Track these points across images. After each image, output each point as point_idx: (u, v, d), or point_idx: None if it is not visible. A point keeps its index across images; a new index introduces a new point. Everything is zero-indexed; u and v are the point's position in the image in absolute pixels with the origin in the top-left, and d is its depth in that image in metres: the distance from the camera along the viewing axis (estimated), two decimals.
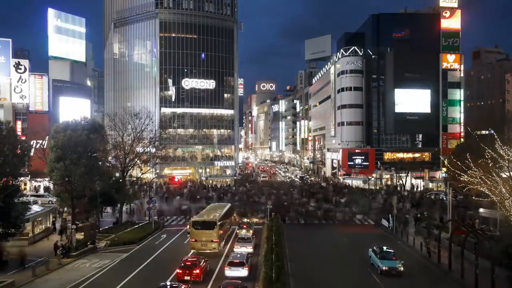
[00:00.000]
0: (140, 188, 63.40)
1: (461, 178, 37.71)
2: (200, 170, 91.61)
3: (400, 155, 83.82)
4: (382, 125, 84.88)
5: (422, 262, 32.72)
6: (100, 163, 43.86)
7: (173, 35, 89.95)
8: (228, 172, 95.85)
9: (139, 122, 50.02)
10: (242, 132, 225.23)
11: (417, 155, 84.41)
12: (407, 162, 78.64)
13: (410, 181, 77.95)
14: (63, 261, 30.95)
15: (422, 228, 41.03)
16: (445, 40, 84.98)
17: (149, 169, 63.46)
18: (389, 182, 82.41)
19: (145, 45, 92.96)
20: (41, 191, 62.80)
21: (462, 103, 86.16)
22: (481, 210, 39.48)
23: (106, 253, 34.47)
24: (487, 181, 32.73)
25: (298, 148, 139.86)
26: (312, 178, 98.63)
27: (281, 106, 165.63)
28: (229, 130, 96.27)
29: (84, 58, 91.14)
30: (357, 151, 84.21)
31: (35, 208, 38.13)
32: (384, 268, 28.27)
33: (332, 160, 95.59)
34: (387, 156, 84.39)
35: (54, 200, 48.63)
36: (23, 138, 54.08)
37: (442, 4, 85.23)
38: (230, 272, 26.80)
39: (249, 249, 33.00)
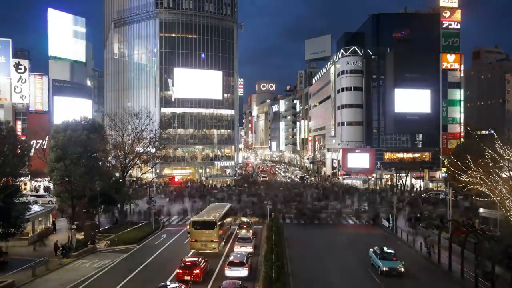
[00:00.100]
0: (141, 188, 63.42)
1: (461, 178, 37.72)
2: (200, 170, 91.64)
3: (400, 155, 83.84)
4: (382, 125, 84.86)
5: (422, 262, 32.71)
6: (100, 163, 43.88)
7: (173, 35, 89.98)
8: (228, 172, 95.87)
9: (139, 122, 50.03)
10: (242, 132, 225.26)
11: (417, 155, 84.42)
12: (407, 162, 78.66)
13: (410, 181, 77.96)
14: (63, 261, 30.95)
15: (422, 228, 41.06)
16: (445, 40, 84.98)
17: (149, 169, 63.49)
18: (389, 182, 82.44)
19: (145, 45, 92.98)
20: (41, 191, 62.77)
21: (462, 103, 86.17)
22: (481, 210, 39.49)
23: (106, 253, 34.46)
24: (487, 181, 32.72)
25: (298, 148, 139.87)
26: (312, 178, 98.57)
27: (281, 106, 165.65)
28: (229, 130, 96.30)
29: (84, 58, 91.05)
30: (357, 151, 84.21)
31: (35, 208, 38.13)
32: (384, 268, 28.24)
33: (332, 160, 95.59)
34: (387, 156, 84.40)
35: (54, 200, 48.62)
36: (23, 138, 54.10)
37: (442, 4, 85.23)
38: (230, 272, 26.79)
39: (249, 249, 32.99)
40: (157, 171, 77.33)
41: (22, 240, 34.85)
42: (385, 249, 30.49)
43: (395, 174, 79.67)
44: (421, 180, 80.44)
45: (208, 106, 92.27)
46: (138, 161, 49.02)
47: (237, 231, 39.48)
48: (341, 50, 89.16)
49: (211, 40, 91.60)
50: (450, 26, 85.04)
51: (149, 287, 25.29)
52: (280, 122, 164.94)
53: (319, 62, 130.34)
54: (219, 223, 34.14)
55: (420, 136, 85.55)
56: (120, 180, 46.27)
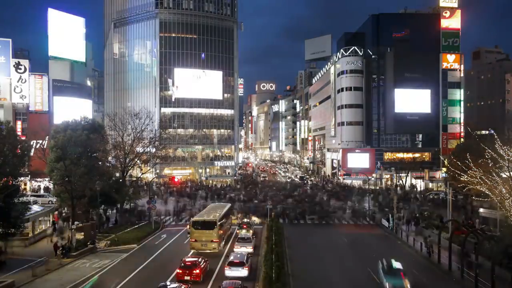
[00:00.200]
0: (141, 188, 63.43)
1: (461, 178, 37.72)
2: (200, 170, 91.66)
3: (400, 155, 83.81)
4: (382, 125, 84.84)
5: (422, 262, 32.71)
6: (100, 163, 43.86)
7: (173, 35, 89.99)
8: (228, 172, 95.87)
9: (139, 122, 50.03)
10: (242, 132, 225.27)
11: (417, 155, 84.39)
12: (407, 162, 78.63)
13: (410, 181, 77.96)
14: (63, 261, 30.95)
15: (422, 228, 41.06)
16: (445, 40, 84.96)
17: (149, 169, 63.47)
18: (389, 182, 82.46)
19: (145, 45, 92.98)
20: (41, 192, 62.71)
21: (462, 103, 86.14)
22: (481, 210, 39.49)
23: (106, 253, 34.47)
24: (487, 181, 32.72)
25: (298, 148, 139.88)
26: (312, 178, 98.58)
27: (281, 106, 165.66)
28: (229, 130, 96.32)
29: (84, 58, 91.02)
30: (357, 151, 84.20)
31: (35, 208, 38.14)
32: (387, 286, 25.80)
33: (332, 160, 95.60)
34: (387, 156, 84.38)
35: (54, 200, 48.63)
36: (23, 138, 54.08)
37: (442, 4, 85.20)
38: (230, 272, 26.79)
39: (249, 249, 33.00)
40: (157, 171, 77.31)
41: (22, 240, 34.85)
42: (393, 264, 27.17)
43: (395, 174, 79.66)
44: (421, 180, 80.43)
45: (208, 106, 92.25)
46: (138, 161, 49.02)
47: (237, 231, 39.48)
48: (341, 50, 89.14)
49: (211, 40, 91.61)
50: (450, 26, 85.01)
51: (149, 287, 25.31)
52: (280, 122, 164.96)
53: (319, 62, 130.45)
54: (219, 223, 34.15)
55: (420, 136, 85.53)
56: (120, 180, 46.26)
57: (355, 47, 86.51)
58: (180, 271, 26.29)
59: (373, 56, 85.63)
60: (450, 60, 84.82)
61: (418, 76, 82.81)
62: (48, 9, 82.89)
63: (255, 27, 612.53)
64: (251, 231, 38.71)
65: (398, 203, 46.92)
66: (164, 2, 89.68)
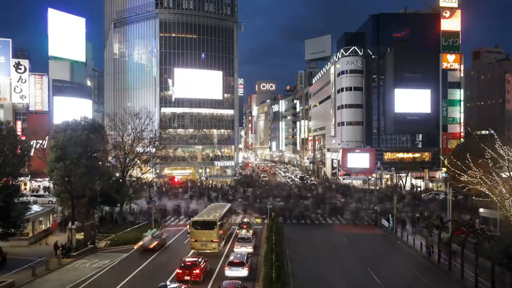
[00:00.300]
0: (141, 188, 63.42)
1: (461, 178, 37.72)
2: (200, 170, 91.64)
3: (400, 155, 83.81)
4: (382, 125, 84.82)
5: (422, 262, 32.71)
6: (100, 163, 43.88)
7: (173, 35, 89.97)
8: (228, 172, 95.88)
9: (139, 122, 50.05)
10: (242, 132, 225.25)
11: (417, 155, 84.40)
12: (407, 162, 78.66)
13: (410, 181, 77.97)
14: (63, 261, 30.95)
15: (423, 228, 41.05)
16: (445, 40, 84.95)
17: (149, 169, 63.47)
18: (389, 182, 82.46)
19: (145, 45, 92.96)
20: (41, 191, 62.72)
21: (462, 103, 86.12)
22: (481, 210, 39.49)
23: (106, 253, 34.47)
24: (487, 181, 32.72)
25: (298, 148, 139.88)
26: (312, 178, 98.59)
27: (281, 106, 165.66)
28: (229, 130, 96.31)
29: (84, 58, 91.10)
30: (357, 151, 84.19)
31: (35, 208, 38.15)
32: None
33: (332, 160, 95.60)
34: (387, 156, 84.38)
35: (54, 200, 48.64)
36: (23, 138, 54.08)
37: (442, 4, 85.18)
38: (230, 272, 26.80)
39: (249, 249, 33.01)
40: (157, 171, 77.33)
41: (22, 240, 34.86)
42: None
43: (395, 174, 79.67)
44: (421, 180, 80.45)
45: (208, 106, 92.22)
46: (138, 161, 49.04)
47: (237, 231, 39.48)
48: (341, 50, 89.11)
49: (211, 40, 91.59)
50: (450, 26, 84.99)
51: (149, 287, 25.31)
52: (280, 122, 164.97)
53: (319, 62, 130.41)
54: (219, 223, 34.15)
55: (420, 136, 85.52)
56: (120, 180, 46.26)
57: (355, 47, 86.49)
58: (180, 271, 26.29)
59: (373, 56, 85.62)
60: (450, 60, 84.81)
61: (418, 76, 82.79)
62: (48, 9, 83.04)
63: (255, 27, 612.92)
64: (251, 231, 38.72)
65: (398, 203, 46.92)
66: (164, 2, 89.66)
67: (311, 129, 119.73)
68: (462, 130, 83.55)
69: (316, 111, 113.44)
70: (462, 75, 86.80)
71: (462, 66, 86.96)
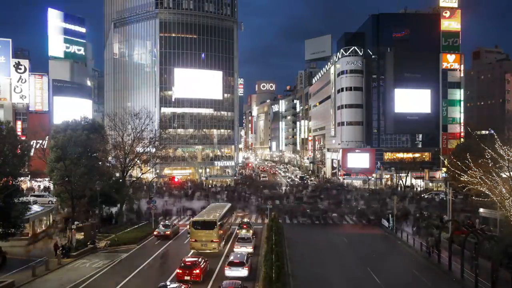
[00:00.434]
0: (141, 188, 63.42)
1: (461, 178, 37.72)
2: (200, 170, 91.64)
3: (400, 155, 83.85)
4: (382, 125, 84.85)
5: (422, 262, 32.71)
6: (100, 163, 43.86)
7: (173, 35, 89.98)
8: (228, 172, 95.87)
9: (139, 122, 50.01)
10: (242, 132, 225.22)
11: (417, 155, 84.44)
12: (407, 162, 78.67)
13: (410, 181, 77.96)
14: (63, 261, 30.94)
15: (423, 228, 41.02)
16: (445, 40, 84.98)
17: (149, 169, 63.44)
18: (389, 182, 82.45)
19: (145, 45, 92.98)
20: (37, 192, 62.57)
21: (462, 103, 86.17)
22: (481, 210, 39.48)
23: (106, 253, 34.45)
24: (487, 181, 32.72)
25: (298, 148, 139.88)
26: (312, 178, 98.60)
27: (281, 106, 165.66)
28: (229, 130, 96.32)
29: (84, 58, 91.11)
30: (357, 151, 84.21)
31: (35, 208, 38.13)
32: None
33: (332, 160, 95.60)
34: (387, 156, 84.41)
35: (54, 200, 48.63)
36: (23, 138, 54.09)
37: (442, 4, 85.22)
38: (230, 272, 26.79)
39: (249, 249, 33.00)
40: (157, 171, 77.30)
41: (22, 240, 34.84)
42: None
43: (395, 174, 79.67)
44: (421, 180, 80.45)
45: (208, 106, 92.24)
46: (138, 161, 49.00)
47: (237, 231, 39.48)
48: (341, 50, 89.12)
49: (211, 40, 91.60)
50: (450, 26, 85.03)
51: (149, 287, 25.30)
52: (280, 122, 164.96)
53: (319, 62, 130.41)
54: (219, 223, 34.15)
55: (420, 136, 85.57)
56: (120, 180, 46.24)
57: (355, 47, 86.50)
58: (180, 271, 26.28)
59: (373, 56, 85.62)
60: (450, 60, 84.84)
61: (418, 76, 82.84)
62: (48, 9, 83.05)
63: (255, 27, 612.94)
64: (251, 231, 38.72)
65: (398, 203, 46.91)
66: (164, 2, 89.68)
67: (311, 129, 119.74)
68: (462, 130, 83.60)
69: (316, 111, 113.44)
70: (462, 75, 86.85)
71: (462, 66, 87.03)
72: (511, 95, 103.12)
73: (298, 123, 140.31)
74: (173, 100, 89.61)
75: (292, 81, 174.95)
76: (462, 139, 77.93)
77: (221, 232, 35.33)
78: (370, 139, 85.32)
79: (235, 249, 32.87)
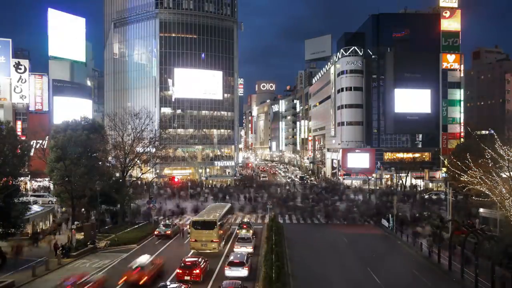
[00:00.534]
0: (141, 188, 63.46)
1: (461, 178, 37.72)
2: (200, 170, 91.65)
3: (400, 155, 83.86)
4: (382, 125, 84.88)
5: (422, 262, 32.70)
6: (100, 163, 43.86)
7: (173, 35, 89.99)
8: (228, 172, 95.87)
9: (139, 122, 49.99)
10: (242, 132, 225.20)
11: (417, 155, 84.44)
12: (407, 162, 78.66)
13: (410, 181, 77.94)
14: (63, 261, 30.93)
15: (423, 228, 41.02)
16: (445, 40, 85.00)
17: (149, 169, 63.46)
18: (389, 182, 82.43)
19: (145, 45, 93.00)
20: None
21: (462, 103, 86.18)
22: (481, 210, 39.48)
23: (106, 253, 34.44)
24: (487, 181, 32.71)
25: (298, 148, 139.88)
26: (312, 178, 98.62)
27: (281, 106, 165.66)
28: (229, 130, 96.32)
29: (84, 58, 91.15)
30: (357, 151, 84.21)
31: (35, 208, 38.13)
32: None
33: (332, 160, 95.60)
34: (387, 156, 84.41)
35: (54, 200, 48.63)
36: (23, 138, 54.10)
37: (442, 4, 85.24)
38: (230, 272, 26.78)
39: (249, 249, 32.99)
40: (157, 171, 77.31)
41: (22, 240, 34.79)
42: None
43: (395, 174, 79.67)
44: (421, 180, 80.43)
45: (208, 106, 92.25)
46: (138, 161, 48.99)
47: (237, 231, 39.48)
48: (341, 50, 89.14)
49: (211, 40, 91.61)
50: (450, 26, 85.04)
51: (149, 287, 25.27)
52: (280, 122, 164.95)
53: (319, 62, 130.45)
54: (219, 223, 34.13)
55: (420, 136, 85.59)
56: (120, 180, 46.24)
57: (355, 47, 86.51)
58: (180, 271, 26.28)
59: (373, 56, 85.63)
60: (450, 60, 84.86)
61: (418, 76, 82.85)
62: (48, 9, 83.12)
63: (255, 27, 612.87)
64: (251, 231, 38.71)
65: (398, 203, 46.90)
66: (164, 2, 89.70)
67: (311, 129, 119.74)
68: (462, 130, 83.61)
69: (316, 111, 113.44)
70: (462, 75, 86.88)
71: (462, 66, 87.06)
72: (511, 95, 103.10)
73: (298, 123, 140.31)
74: (173, 100, 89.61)
75: (292, 81, 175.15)
76: (462, 139, 77.93)
77: (221, 232, 35.32)
78: (370, 139, 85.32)
79: (235, 249, 32.86)
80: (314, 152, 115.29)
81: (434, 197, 61.85)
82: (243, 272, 26.78)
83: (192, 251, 33.52)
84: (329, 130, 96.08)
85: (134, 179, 54.95)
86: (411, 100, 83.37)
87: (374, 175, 76.27)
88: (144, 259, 26.93)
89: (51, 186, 54.34)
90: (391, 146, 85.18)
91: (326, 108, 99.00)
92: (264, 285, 23.30)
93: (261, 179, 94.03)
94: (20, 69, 72.67)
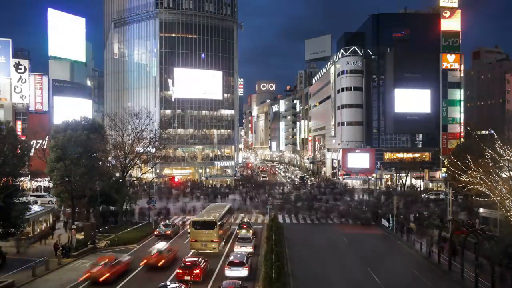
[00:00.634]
0: (141, 188, 63.45)
1: (461, 178, 37.71)
2: (200, 170, 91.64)
3: (400, 155, 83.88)
4: (382, 125, 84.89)
5: (422, 262, 32.70)
6: (100, 163, 43.85)
7: (173, 35, 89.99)
8: (228, 172, 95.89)
9: (139, 122, 49.98)
10: (242, 132, 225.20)
11: (417, 155, 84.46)
12: (407, 162, 78.67)
13: (410, 181, 77.94)
14: (63, 261, 30.93)
15: (423, 228, 41.00)
16: (445, 40, 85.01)
17: (149, 169, 63.45)
18: (389, 182, 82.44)
19: (145, 45, 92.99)
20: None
21: (462, 103, 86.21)
22: (481, 210, 39.48)
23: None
24: (487, 181, 32.71)
25: (298, 148, 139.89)
26: (312, 178, 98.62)
27: (281, 106, 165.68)
28: (229, 130, 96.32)
29: (84, 58, 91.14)
30: (357, 151, 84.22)
31: (35, 208, 38.12)
32: None
33: (332, 160, 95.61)
34: (387, 156, 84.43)
35: (54, 200, 48.61)
36: (23, 138, 54.08)
37: (442, 4, 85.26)
38: (230, 272, 26.78)
39: (249, 249, 32.98)
40: (157, 171, 77.29)
41: (22, 240, 34.79)
42: None
43: (395, 174, 79.68)
44: (421, 180, 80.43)
45: (208, 106, 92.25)
46: (138, 161, 48.98)
47: (237, 231, 39.47)
48: (341, 50, 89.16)
49: (211, 40, 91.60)
50: (450, 26, 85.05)
51: (149, 287, 25.29)
52: (280, 122, 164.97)
53: (319, 62, 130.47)
54: (219, 223, 34.13)
55: (420, 136, 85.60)
56: (120, 180, 46.23)
57: (355, 47, 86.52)
58: (180, 271, 26.28)
59: (373, 56, 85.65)
60: (450, 60, 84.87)
61: (418, 76, 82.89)
62: (48, 9, 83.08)
63: (255, 27, 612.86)
64: (251, 231, 38.70)
65: (398, 204, 46.90)
66: (164, 2, 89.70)
67: (311, 129, 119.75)
68: (462, 130, 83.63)
69: (316, 111, 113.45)
70: (462, 75, 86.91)
71: (462, 66, 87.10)
72: (511, 95, 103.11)
73: (298, 123, 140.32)
74: (173, 100, 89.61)
75: (292, 81, 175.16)
76: (462, 139, 77.96)
77: (221, 232, 35.32)
78: (370, 139, 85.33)
79: (235, 249, 32.85)
80: (314, 152, 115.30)
81: (433, 197, 61.86)
82: (243, 272, 26.78)
83: (192, 251, 33.51)
84: (329, 130, 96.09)
85: (134, 179, 54.95)
86: (411, 100, 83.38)
87: (374, 175, 76.26)
88: (162, 245, 30.88)
89: (51, 186, 54.32)
90: (391, 146, 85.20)
91: (326, 108, 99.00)
92: (264, 285, 23.31)
93: (261, 179, 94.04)
94: (20, 69, 72.66)
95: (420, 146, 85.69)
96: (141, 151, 48.96)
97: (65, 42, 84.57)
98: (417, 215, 46.56)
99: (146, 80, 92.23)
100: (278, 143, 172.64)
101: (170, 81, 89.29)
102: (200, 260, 27.69)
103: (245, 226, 39.74)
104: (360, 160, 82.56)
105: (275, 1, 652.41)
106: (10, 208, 30.18)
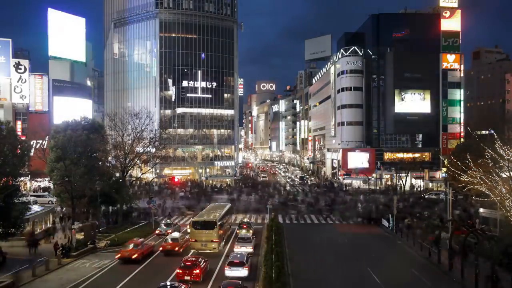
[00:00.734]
0: (141, 188, 63.47)
1: (461, 178, 37.68)
2: (200, 170, 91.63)
3: (400, 155, 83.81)
4: (382, 125, 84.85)
5: (422, 262, 32.70)
6: (100, 163, 43.87)
7: (173, 35, 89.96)
8: (228, 172, 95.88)
9: (139, 122, 50.01)
10: (242, 132, 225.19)
11: (417, 155, 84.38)
12: (407, 162, 78.61)
13: (410, 181, 77.93)
14: (63, 261, 30.94)
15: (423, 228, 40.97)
16: (445, 40, 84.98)
17: (149, 169, 63.47)
18: (389, 182, 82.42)
19: (145, 45, 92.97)
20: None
21: (462, 103, 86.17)
22: (481, 210, 39.46)
23: (106, 253, 34.43)
24: (487, 181, 32.70)
25: (298, 148, 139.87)
26: (312, 178, 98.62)
27: (281, 106, 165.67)
28: (229, 130, 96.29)
29: (84, 58, 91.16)
30: (357, 151, 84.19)
31: (35, 208, 38.12)
32: None
33: (332, 160, 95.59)
34: (387, 156, 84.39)
35: (54, 200, 48.61)
36: (23, 138, 54.09)
37: (442, 4, 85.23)
38: (230, 272, 26.78)
39: (249, 249, 32.99)
40: (157, 171, 77.31)
41: (22, 240, 34.81)
42: None
43: (395, 174, 79.67)
44: (421, 180, 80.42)
45: (208, 106, 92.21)
46: (138, 161, 49.00)
47: (237, 231, 39.48)
48: (341, 50, 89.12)
49: (211, 40, 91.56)
50: (450, 26, 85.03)
51: (149, 287, 25.30)
52: (280, 122, 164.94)
53: (319, 62, 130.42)
54: (219, 223, 34.15)
55: (420, 136, 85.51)
56: (120, 180, 46.25)
57: (355, 47, 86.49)
58: (180, 271, 26.27)
59: (373, 56, 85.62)
60: (450, 60, 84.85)
61: (418, 76, 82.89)
62: (48, 9, 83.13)
63: (255, 27, 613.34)
64: (251, 231, 38.73)
65: (398, 203, 46.87)
66: (164, 2, 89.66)
67: (311, 129, 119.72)
68: (462, 130, 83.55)
69: (316, 111, 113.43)
70: (462, 75, 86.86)
71: (462, 66, 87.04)
72: (511, 95, 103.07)
73: (298, 123, 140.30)
74: (173, 100, 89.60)
75: (292, 81, 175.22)
76: (462, 139, 77.87)
77: (221, 232, 35.34)
78: (370, 139, 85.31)
79: (235, 249, 32.86)
80: (314, 152, 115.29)
81: (434, 197, 61.83)
82: (243, 272, 26.78)
83: (192, 251, 33.52)
84: (329, 130, 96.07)
85: (134, 179, 54.97)
86: (411, 100, 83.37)
87: (374, 175, 76.31)
88: (176, 235, 35.17)
89: (51, 186, 54.35)
90: (391, 146, 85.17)
91: (326, 108, 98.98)
92: (264, 285, 23.30)
93: (261, 179, 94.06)
94: (20, 69, 72.67)
95: (420, 146, 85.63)
96: (141, 151, 49.00)
97: (65, 42, 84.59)
98: (418, 215, 46.54)
99: (146, 80, 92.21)
100: (278, 143, 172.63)
101: (170, 81, 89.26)
102: (200, 260, 27.69)
103: (245, 226, 39.76)
104: (360, 160, 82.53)
105: (275, 1, 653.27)
106: (10, 208, 30.19)
